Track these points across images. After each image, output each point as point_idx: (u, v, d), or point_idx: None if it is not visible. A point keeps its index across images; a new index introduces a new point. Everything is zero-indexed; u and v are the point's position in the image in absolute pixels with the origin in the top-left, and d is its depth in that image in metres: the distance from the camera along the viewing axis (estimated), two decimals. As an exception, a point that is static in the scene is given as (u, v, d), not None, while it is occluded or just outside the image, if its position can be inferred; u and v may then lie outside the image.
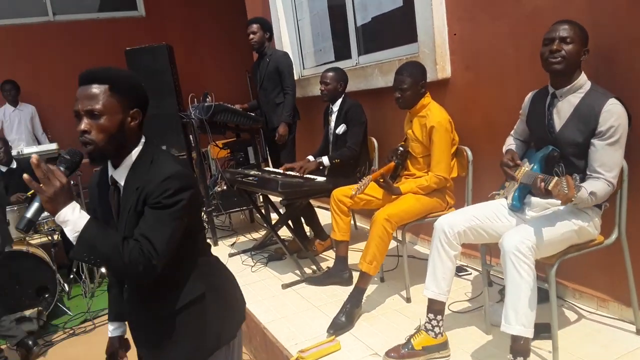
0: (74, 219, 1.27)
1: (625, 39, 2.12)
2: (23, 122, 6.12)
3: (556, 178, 1.75)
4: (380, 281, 3.14)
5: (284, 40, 5.14)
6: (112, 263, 1.29)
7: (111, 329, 1.71)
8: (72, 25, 6.90)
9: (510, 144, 2.45)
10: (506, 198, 2.30)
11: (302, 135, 4.56)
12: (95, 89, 1.35)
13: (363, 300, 2.73)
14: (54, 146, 5.41)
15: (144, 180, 1.38)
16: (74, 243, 1.28)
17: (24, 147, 5.62)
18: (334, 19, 4.64)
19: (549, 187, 1.76)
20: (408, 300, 2.84)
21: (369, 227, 2.73)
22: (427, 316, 2.27)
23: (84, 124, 1.35)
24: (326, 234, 3.84)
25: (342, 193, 3.08)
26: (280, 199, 3.18)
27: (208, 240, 1.64)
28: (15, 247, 3.80)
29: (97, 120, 1.34)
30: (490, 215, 2.23)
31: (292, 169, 3.53)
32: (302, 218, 3.89)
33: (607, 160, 1.97)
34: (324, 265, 3.46)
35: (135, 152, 1.43)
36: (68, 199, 1.27)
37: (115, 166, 1.44)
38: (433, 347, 2.23)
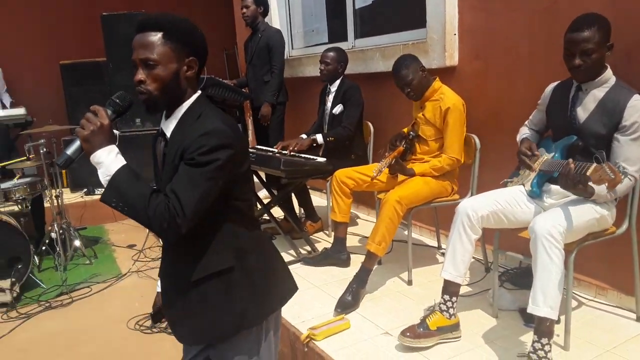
0: (107, 162, 1.27)
1: (648, 37, 2.20)
2: None
3: (595, 164, 1.79)
4: (378, 264, 3.14)
5: (274, 18, 5.03)
6: (137, 213, 1.26)
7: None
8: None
9: (524, 133, 2.49)
10: (524, 185, 2.34)
11: (290, 116, 4.48)
12: (150, 36, 1.32)
13: (366, 282, 2.73)
14: (22, 111, 5.09)
15: (186, 133, 1.32)
16: (105, 186, 1.27)
17: None
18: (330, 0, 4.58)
19: (588, 173, 1.79)
20: (409, 282, 2.87)
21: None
22: (442, 297, 2.29)
23: (139, 74, 1.33)
24: (317, 215, 3.82)
25: (344, 174, 3.06)
26: (282, 177, 3.11)
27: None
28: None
29: (152, 70, 1.31)
30: (510, 200, 2.27)
31: (286, 147, 3.48)
32: (293, 199, 3.84)
33: (630, 155, 2.04)
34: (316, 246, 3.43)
35: (186, 105, 1.37)
36: (106, 141, 1.28)
37: (167, 116, 1.40)
38: (447, 327, 2.26)
